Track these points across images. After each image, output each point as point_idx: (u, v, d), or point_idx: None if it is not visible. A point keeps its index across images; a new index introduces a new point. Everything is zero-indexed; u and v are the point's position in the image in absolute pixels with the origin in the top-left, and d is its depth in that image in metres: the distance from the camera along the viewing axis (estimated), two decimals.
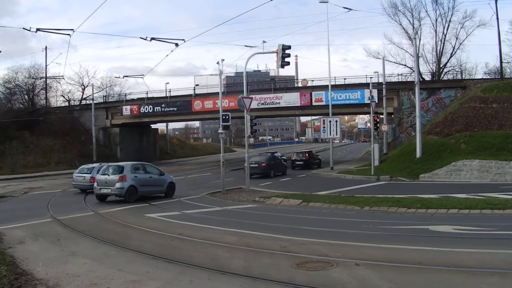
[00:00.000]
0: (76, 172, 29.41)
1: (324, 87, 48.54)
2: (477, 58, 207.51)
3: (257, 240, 12.62)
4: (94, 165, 29.32)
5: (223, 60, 60.77)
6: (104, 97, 66.59)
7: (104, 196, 23.06)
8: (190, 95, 58.56)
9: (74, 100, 67.89)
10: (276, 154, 45.16)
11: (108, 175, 23.04)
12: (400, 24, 53.03)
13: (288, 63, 26.08)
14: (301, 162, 46.65)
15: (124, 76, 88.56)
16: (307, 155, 47.62)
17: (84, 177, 27.85)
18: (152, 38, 27.40)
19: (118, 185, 22.31)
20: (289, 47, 25.83)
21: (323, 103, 48.32)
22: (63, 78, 64.28)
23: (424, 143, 35.43)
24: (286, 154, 57.94)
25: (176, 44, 28.01)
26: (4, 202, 23.88)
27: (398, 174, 32.95)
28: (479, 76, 51.23)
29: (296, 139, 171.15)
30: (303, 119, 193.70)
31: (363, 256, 10.24)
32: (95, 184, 23.48)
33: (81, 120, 62.16)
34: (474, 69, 57.29)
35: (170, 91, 61.16)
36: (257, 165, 36.22)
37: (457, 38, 51.77)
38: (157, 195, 23.89)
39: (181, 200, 23.37)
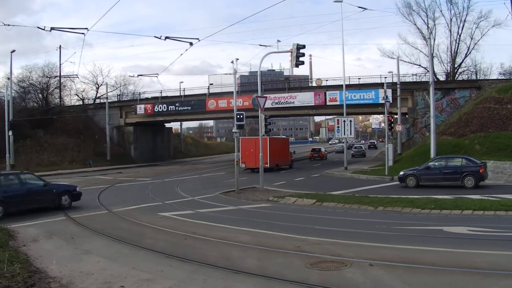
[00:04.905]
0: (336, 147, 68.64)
1: (338, 87, 48.43)
2: (492, 58, 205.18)
3: (271, 239, 12.63)
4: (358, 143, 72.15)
5: (237, 59, 60.64)
6: (118, 96, 66.85)
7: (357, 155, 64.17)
8: (204, 94, 58.54)
9: (88, 99, 68.61)
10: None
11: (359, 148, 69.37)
12: (415, 24, 52.72)
13: (302, 63, 26.01)
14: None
15: (138, 75, 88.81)
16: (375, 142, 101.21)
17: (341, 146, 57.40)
18: (167, 37, 27.45)
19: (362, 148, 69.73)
20: (303, 47, 25.76)
21: (337, 103, 48.18)
22: (77, 77, 64.73)
23: (438, 143, 35.19)
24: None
25: (191, 43, 28.06)
26: None
27: None
28: (494, 77, 50.85)
29: (310, 139, 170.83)
30: (317, 118, 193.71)
31: (377, 256, 10.23)
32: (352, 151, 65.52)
33: (95, 118, 62.57)
34: (489, 70, 56.90)
35: (184, 90, 61.19)
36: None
37: (472, 38, 51.37)
38: None
39: (194, 199, 23.41)
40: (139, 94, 65.15)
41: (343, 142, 53.48)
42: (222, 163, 58.84)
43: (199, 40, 28.03)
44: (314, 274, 9.04)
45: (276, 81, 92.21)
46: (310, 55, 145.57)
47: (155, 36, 26.82)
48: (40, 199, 20.01)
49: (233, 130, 27.61)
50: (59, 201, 20.37)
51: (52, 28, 26.58)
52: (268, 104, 38.69)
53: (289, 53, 26.25)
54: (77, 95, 68.32)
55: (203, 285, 8.60)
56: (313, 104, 51.26)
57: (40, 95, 61.41)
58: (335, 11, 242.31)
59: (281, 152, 46.68)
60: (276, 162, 44.23)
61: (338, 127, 41.10)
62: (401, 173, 27.79)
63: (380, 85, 44.55)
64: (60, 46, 61.52)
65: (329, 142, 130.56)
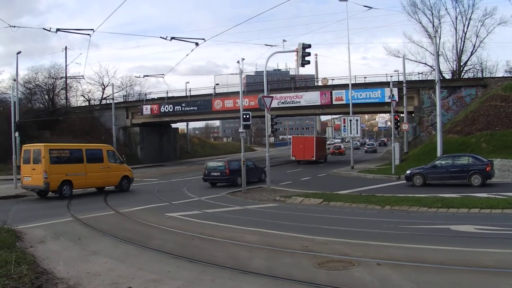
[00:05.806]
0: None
1: (344, 86, 48.44)
2: (498, 56, 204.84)
3: (278, 239, 12.62)
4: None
5: (243, 59, 60.82)
6: (124, 97, 66.93)
7: (369, 151, 79.06)
8: (210, 95, 58.64)
9: (94, 100, 68.59)
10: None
11: (371, 145, 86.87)
12: (420, 23, 52.71)
13: (308, 62, 25.97)
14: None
15: (144, 76, 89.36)
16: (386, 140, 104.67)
17: (356, 143, 64.80)
18: (172, 38, 27.42)
19: (373, 145, 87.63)
20: (309, 46, 25.70)
21: (344, 102, 48.13)
22: (83, 78, 65.09)
23: (445, 142, 35.12)
24: None
25: (196, 44, 28.01)
26: (25, 202, 24.11)
27: None
28: (500, 75, 50.52)
29: None
30: (323, 118, 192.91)
31: (384, 255, 10.21)
32: (365, 147, 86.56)
33: (101, 119, 62.69)
34: (494, 68, 56.73)
35: (190, 91, 61.42)
36: None
37: (477, 36, 51.32)
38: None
39: (201, 199, 23.44)
40: (145, 94, 65.38)
41: (348, 142, 55.26)
42: None
43: (204, 40, 28.00)
44: (321, 274, 9.03)
45: (282, 81, 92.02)
46: (316, 55, 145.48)
47: (161, 37, 27.03)
48: (253, 174, 30.58)
49: (239, 130, 27.62)
50: (260, 176, 31.36)
51: (57, 30, 26.53)
52: (274, 104, 38.62)
53: (295, 53, 26.30)
54: (83, 96, 68.51)
55: (211, 286, 8.59)
56: (319, 104, 51.24)
57: (46, 96, 61.63)
58: (341, 10, 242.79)
59: (322, 148, 58.12)
60: (319, 156, 53.81)
61: (344, 126, 41.14)
62: (408, 171, 27.79)
63: (386, 84, 44.49)
64: (66, 47, 61.83)
65: (327, 142, 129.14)
